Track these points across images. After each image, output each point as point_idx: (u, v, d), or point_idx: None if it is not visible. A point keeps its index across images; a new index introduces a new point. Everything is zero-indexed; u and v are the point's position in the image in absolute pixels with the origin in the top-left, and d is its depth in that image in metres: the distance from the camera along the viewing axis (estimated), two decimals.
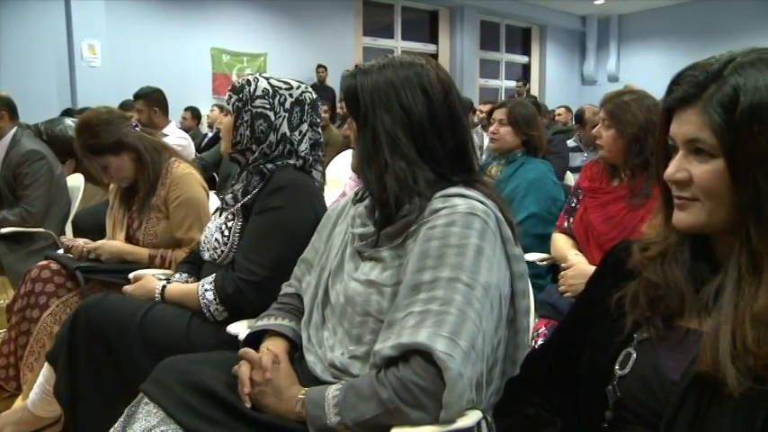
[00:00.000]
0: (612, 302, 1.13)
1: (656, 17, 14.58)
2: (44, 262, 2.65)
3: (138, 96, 5.24)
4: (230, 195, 2.10)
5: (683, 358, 1.01)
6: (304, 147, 2.10)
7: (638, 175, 2.36)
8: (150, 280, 2.19)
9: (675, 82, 1.03)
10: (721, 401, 0.93)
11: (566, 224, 2.66)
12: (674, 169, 1.02)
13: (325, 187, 2.25)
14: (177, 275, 2.27)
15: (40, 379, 2.27)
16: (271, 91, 2.06)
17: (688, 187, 1.00)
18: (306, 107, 2.11)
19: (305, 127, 2.11)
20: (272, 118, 2.04)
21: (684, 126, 1.00)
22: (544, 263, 2.77)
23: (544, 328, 2.31)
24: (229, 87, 2.11)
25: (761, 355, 0.90)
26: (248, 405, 1.39)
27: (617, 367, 1.09)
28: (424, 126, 1.40)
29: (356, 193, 1.60)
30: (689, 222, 1.02)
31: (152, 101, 5.22)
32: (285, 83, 2.10)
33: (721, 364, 0.92)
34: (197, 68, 10.00)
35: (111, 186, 2.91)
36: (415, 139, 1.39)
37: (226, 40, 10.37)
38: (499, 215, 1.39)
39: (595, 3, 14.26)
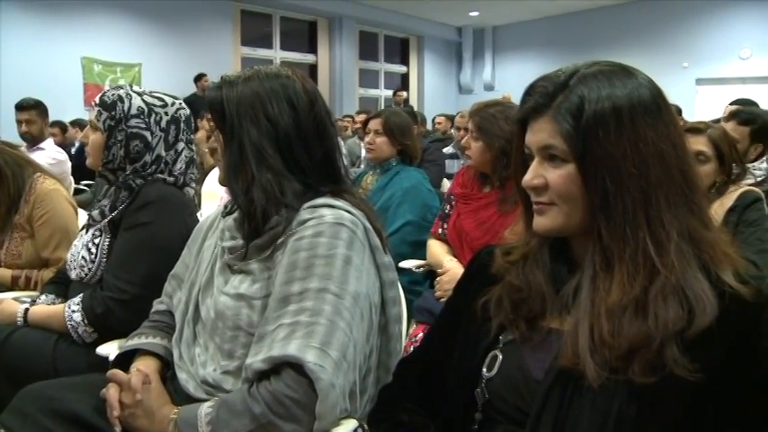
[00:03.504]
0: (478, 307, 1.16)
1: (527, 29, 15.18)
2: None
3: (28, 107, 4.94)
4: (97, 211, 2.02)
5: (546, 357, 1.05)
6: (179, 166, 2.06)
7: (508, 183, 2.44)
8: (11, 303, 2.06)
9: (528, 93, 1.08)
10: (582, 394, 0.98)
11: (440, 230, 2.72)
12: (530, 176, 1.06)
13: (202, 201, 2.20)
14: (43, 297, 2.16)
15: None
16: (146, 109, 1.99)
17: (545, 192, 1.05)
18: (181, 125, 2.06)
19: (181, 145, 2.06)
20: (149, 138, 1.98)
21: (537, 134, 1.05)
22: (421, 269, 2.83)
23: (422, 333, 2.35)
24: (96, 101, 2.01)
25: (615, 347, 0.96)
26: (118, 429, 1.35)
27: (484, 370, 1.12)
28: (290, 137, 1.40)
29: (225, 206, 1.58)
30: (547, 226, 1.07)
31: (44, 112, 4.97)
32: (159, 99, 2.04)
33: (581, 358, 0.97)
34: (66, 79, 9.50)
35: None
36: (281, 151, 1.40)
37: (97, 49, 9.93)
38: (367, 224, 1.41)
39: (470, 14, 14.68)
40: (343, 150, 5.91)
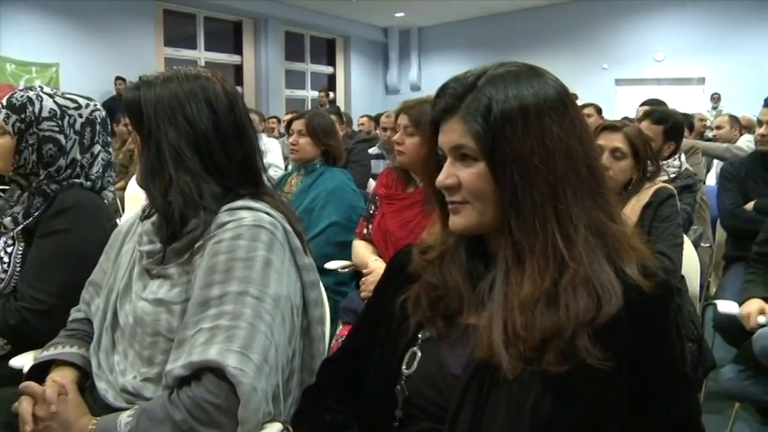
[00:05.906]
0: (397, 305, 1.17)
1: (452, 30, 15.40)
2: None
3: None
4: (9, 218, 1.94)
5: (464, 353, 1.07)
6: (96, 169, 1.99)
7: None
8: None
9: (438, 95, 1.10)
10: (499, 387, 1.00)
11: (365, 231, 2.74)
12: (443, 176, 1.08)
13: (126, 205, 2.14)
14: None
15: None
16: (59, 112, 1.92)
17: (458, 191, 1.07)
18: (97, 127, 1.99)
19: (97, 148, 2.00)
20: (63, 141, 1.91)
21: (449, 135, 1.07)
22: (346, 270, 2.84)
23: None
24: (3, 103, 1.91)
25: (529, 339, 0.98)
26: None
27: (404, 367, 1.12)
28: (209, 139, 1.38)
29: (143, 210, 1.54)
30: (462, 225, 1.09)
31: None
32: (72, 101, 1.97)
33: (495, 351, 0.99)
34: None
35: None
36: (200, 153, 1.38)
37: (10, 47, 9.55)
38: (287, 226, 1.41)
39: (396, 15, 14.79)
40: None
